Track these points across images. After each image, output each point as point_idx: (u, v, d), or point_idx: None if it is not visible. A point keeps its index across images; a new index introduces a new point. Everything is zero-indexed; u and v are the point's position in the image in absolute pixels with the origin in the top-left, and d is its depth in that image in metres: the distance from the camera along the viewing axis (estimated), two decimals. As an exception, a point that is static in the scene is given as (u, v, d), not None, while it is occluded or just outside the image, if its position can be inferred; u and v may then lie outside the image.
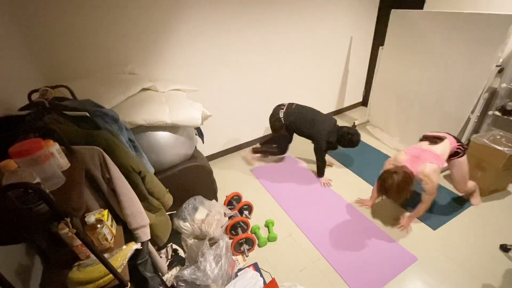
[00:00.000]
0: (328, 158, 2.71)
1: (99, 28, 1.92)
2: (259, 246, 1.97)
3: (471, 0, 2.61)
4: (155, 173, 1.52)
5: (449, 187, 2.41)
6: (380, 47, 3.07)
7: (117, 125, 1.31)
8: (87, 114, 1.15)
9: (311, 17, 2.89)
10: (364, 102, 4.10)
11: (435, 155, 1.81)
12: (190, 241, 1.89)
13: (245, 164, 2.96)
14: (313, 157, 2.97)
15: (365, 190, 2.42)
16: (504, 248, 1.80)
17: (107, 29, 1.95)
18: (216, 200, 2.19)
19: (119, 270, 0.93)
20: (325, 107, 3.79)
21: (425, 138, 2.00)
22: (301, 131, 2.54)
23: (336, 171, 2.74)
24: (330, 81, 3.58)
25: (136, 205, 1.21)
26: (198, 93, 2.29)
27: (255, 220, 2.20)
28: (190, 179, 1.94)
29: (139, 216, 1.21)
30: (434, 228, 2.02)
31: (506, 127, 2.47)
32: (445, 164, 1.94)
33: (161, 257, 1.67)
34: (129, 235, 1.20)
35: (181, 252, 1.86)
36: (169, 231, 1.57)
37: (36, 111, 1.06)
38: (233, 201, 2.28)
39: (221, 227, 1.93)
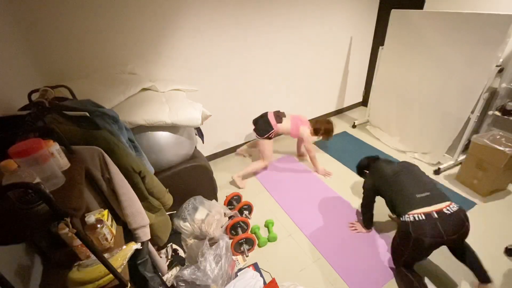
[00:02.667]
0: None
1: (99, 28, 1.92)
2: (259, 246, 1.97)
3: (471, 0, 2.61)
4: (155, 173, 1.52)
5: (454, 188, 2.41)
6: (380, 47, 3.07)
7: (117, 125, 1.31)
8: (87, 114, 1.15)
9: (311, 17, 2.89)
10: (364, 102, 4.09)
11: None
12: (190, 241, 1.89)
13: (245, 164, 2.95)
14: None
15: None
16: (509, 252, 1.78)
17: (107, 29, 1.95)
18: (216, 200, 2.19)
19: (119, 270, 0.93)
20: (325, 107, 3.80)
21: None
22: None
23: (335, 171, 2.74)
24: (330, 81, 3.58)
25: (136, 205, 1.21)
26: (198, 93, 2.29)
27: (255, 220, 2.20)
28: (190, 179, 1.94)
29: (139, 216, 1.21)
30: None
31: (506, 127, 2.47)
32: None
33: (161, 257, 1.67)
34: (129, 235, 1.20)
35: (181, 252, 1.86)
36: (169, 231, 1.57)
37: (36, 111, 1.06)
38: (233, 201, 2.28)
39: (221, 227, 1.93)
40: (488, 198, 2.26)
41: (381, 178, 1.77)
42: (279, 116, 2.55)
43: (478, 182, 2.28)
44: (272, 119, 2.50)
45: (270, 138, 2.51)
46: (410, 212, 1.50)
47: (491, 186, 2.24)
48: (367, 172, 2.01)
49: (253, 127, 2.59)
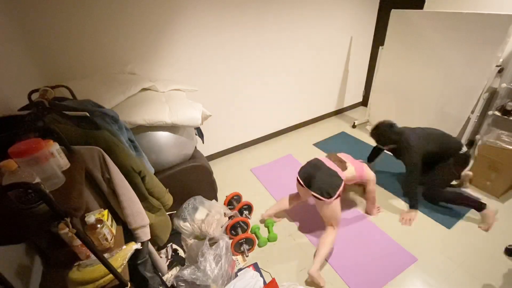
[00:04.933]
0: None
1: (99, 28, 1.92)
2: (259, 246, 1.97)
3: (471, 0, 2.61)
4: (155, 173, 1.52)
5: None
6: (380, 47, 3.06)
7: (117, 125, 1.31)
8: (87, 114, 1.15)
9: (311, 17, 2.89)
10: (364, 102, 4.09)
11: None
12: (190, 241, 1.89)
13: (245, 164, 2.96)
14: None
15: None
16: (509, 252, 1.78)
17: (107, 29, 1.95)
18: (216, 200, 2.19)
19: (119, 270, 0.93)
20: (325, 107, 3.80)
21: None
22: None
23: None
24: (330, 81, 3.58)
25: (136, 205, 1.21)
26: (198, 93, 2.29)
27: (255, 220, 2.20)
28: (190, 179, 1.94)
29: (139, 216, 1.21)
30: (449, 227, 2.01)
31: (506, 127, 2.46)
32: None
33: (161, 257, 1.67)
34: (129, 235, 1.20)
35: (181, 252, 1.86)
36: (169, 231, 1.57)
37: (36, 111, 1.06)
38: (233, 201, 2.28)
39: (221, 227, 1.93)
40: (500, 199, 2.23)
41: (422, 140, 2.02)
42: (340, 160, 1.90)
43: (492, 184, 2.25)
44: (334, 166, 1.82)
45: (339, 197, 1.75)
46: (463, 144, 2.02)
47: (505, 186, 2.21)
48: (394, 145, 2.11)
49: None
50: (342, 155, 2.01)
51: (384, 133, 2.13)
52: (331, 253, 1.87)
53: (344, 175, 1.79)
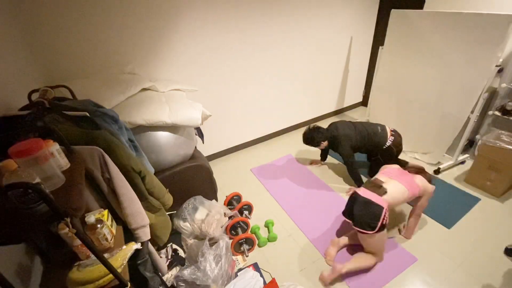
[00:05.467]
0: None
1: (99, 28, 1.92)
2: (259, 246, 1.97)
3: (471, 0, 2.61)
4: (155, 173, 1.52)
5: (459, 185, 2.41)
6: (380, 47, 3.06)
7: (117, 125, 1.31)
8: (87, 114, 1.15)
9: (311, 17, 2.89)
10: (364, 102, 4.10)
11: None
12: (190, 241, 1.89)
13: (245, 164, 2.96)
14: (313, 156, 2.99)
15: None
16: (509, 252, 1.78)
17: (107, 29, 1.95)
18: (216, 200, 2.19)
19: (119, 270, 0.93)
20: (325, 107, 3.80)
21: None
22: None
23: (336, 171, 2.74)
24: (330, 81, 3.58)
25: (136, 205, 1.21)
26: (198, 93, 2.29)
27: (255, 220, 2.20)
28: (190, 179, 1.94)
29: (139, 216, 1.21)
30: (449, 227, 2.01)
31: (506, 127, 2.47)
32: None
33: (161, 257, 1.67)
34: (129, 235, 1.20)
35: (181, 252, 1.86)
36: (169, 231, 1.57)
37: (36, 111, 1.06)
38: (233, 201, 2.28)
39: (221, 227, 1.93)
40: (501, 198, 2.23)
41: (351, 136, 2.29)
42: (377, 185, 1.70)
43: (492, 183, 2.25)
44: (370, 194, 1.65)
45: (384, 227, 1.61)
46: (388, 138, 2.26)
47: (506, 186, 2.21)
48: (327, 141, 2.39)
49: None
50: (386, 171, 1.82)
51: (315, 135, 2.34)
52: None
53: (383, 200, 1.61)
